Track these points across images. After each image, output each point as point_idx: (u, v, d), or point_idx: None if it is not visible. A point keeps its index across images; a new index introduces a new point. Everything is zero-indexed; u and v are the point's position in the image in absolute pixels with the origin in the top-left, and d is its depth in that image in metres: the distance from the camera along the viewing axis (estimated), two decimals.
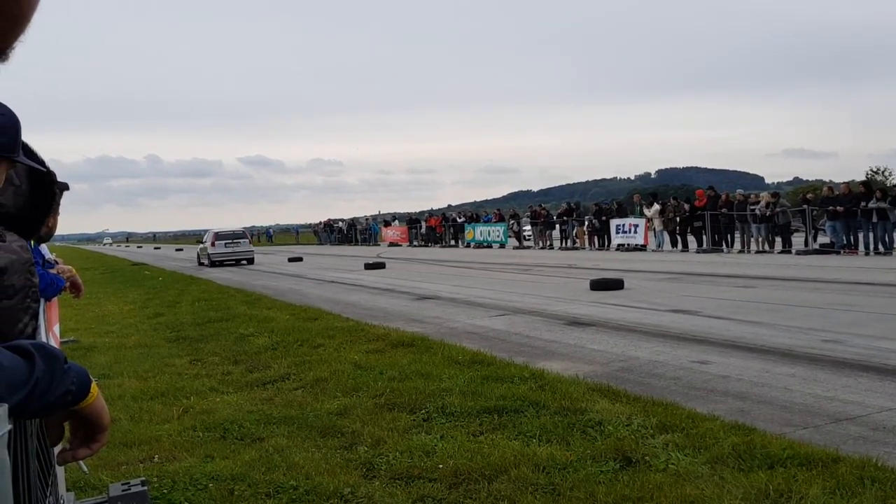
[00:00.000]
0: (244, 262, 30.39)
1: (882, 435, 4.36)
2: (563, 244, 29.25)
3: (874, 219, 18.27)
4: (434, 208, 60.26)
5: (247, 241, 31.58)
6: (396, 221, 48.33)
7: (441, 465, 4.01)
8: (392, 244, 41.53)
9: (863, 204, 18.44)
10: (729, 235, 22.42)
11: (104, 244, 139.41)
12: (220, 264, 29.70)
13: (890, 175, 70.12)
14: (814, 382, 5.64)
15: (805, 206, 21.23)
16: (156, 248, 75.56)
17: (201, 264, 31.15)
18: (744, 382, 5.75)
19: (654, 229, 24.40)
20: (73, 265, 4.14)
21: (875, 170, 74.32)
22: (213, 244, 30.42)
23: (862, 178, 53.47)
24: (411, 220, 43.47)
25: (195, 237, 66.40)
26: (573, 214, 29.22)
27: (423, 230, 39.47)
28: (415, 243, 39.39)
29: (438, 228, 38.10)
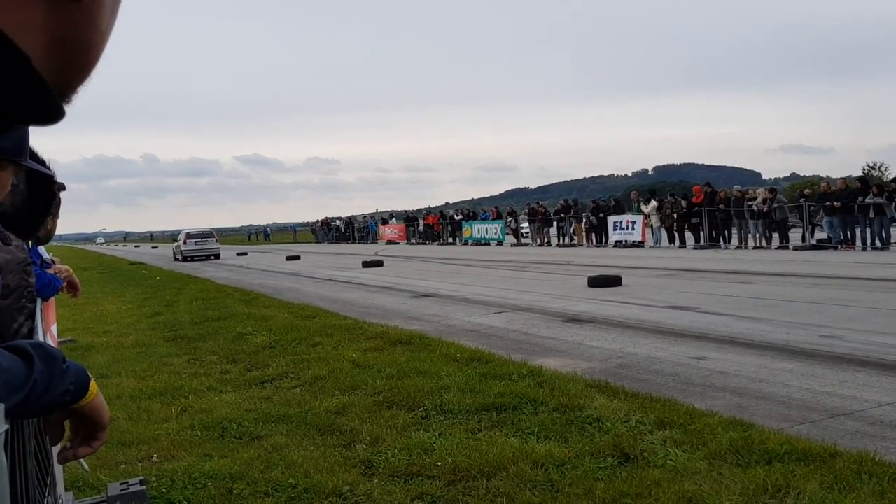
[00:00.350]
0: (212, 257, 34.81)
1: (879, 430, 4.37)
2: (561, 241, 29.26)
3: (871, 214, 18.31)
4: (432, 206, 60.31)
5: (214, 239, 36.12)
6: (394, 219, 48.23)
7: (440, 463, 4.02)
8: (390, 242, 41.51)
9: (860, 199, 18.48)
10: (726, 231, 22.45)
11: (97, 244, 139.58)
12: (192, 259, 34.22)
13: (886, 170, 70.30)
14: (812, 378, 5.65)
15: (802, 202, 21.26)
16: (153, 248, 75.42)
17: (176, 259, 35.41)
18: (742, 378, 5.76)
19: (652, 226, 24.43)
20: (71, 265, 4.14)
21: (872, 165, 74.53)
22: (184, 242, 35.30)
23: (859, 173, 53.63)
24: (409, 218, 43.40)
25: None
26: (571, 211, 29.24)
27: (421, 228, 39.47)
28: (412, 241, 39.39)
29: (436, 226, 38.10)
